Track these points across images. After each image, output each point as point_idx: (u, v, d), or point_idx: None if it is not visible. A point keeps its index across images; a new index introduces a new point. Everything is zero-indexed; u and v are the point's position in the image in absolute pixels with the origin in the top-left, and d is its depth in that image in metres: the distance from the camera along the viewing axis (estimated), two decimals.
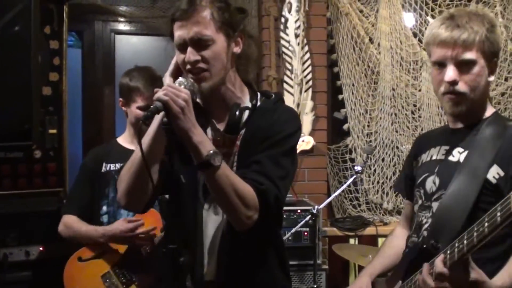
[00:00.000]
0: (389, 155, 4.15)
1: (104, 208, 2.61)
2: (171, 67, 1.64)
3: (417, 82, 4.09)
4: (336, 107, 4.27)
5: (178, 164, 1.64)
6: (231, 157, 1.66)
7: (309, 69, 3.94)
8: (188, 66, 1.59)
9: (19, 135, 2.87)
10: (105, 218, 2.60)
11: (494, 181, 1.60)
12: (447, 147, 1.75)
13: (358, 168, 3.32)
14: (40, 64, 2.98)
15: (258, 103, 1.71)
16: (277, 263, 1.74)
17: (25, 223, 3.09)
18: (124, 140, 2.70)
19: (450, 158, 1.71)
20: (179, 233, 1.56)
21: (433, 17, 3.91)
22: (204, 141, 1.49)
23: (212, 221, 1.66)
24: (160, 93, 1.45)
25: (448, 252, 1.46)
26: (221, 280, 1.64)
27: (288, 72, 3.92)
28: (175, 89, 1.47)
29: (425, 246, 1.64)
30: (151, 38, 4.44)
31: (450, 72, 1.64)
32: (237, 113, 1.65)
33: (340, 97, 4.23)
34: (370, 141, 4.15)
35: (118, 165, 2.61)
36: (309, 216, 3.16)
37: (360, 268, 3.41)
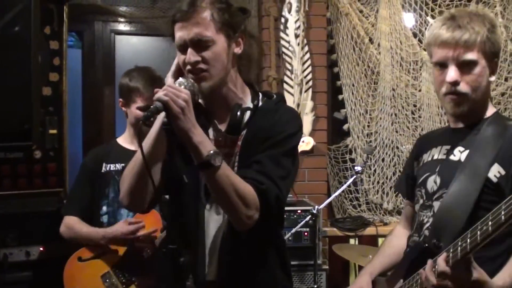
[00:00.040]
0: (389, 155, 4.15)
1: (104, 208, 2.62)
2: (172, 67, 1.64)
3: (417, 82, 4.09)
4: (336, 107, 4.27)
5: (180, 164, 1.64)
6: (232, 157, 1.66)
7: (309, 69, 3.93)
8: (189, 67, 1.59)
9: (19, 135, 2.85)
10: (105, 218, 2.61)
11: (495, 180, 1.60)
12: (448, 147, 1.75)
13: (358, 168, 3.31)
14: (40, 64, 2.97)
15: (260, 104, 1.71)
16: (278, 263, 1.74)
17: (25, 223, 3.08)
18: (124, 140, 2.70)
19: (451, 157, 1.71)
20: (180, 233, 1.56)
21: (433, 17, 3.91)
22: (204, 141, 1.49)
23: (213, 221, 1.66)
24: (160, 93, 1.45)
25: (451, 250, 1.46)
26: (222, 280, 1.64)
27: (288, 72, 3.91)
28: (175, 89, 1.47)
29: (426, 245, 1.64)
30: (151, 39, 4.44)
31: (452, 73, 1.64)
32: (239, 113, 1.64)
33: (340, 97, 4.23)
34: (370, 141, 4.15)
35: (118, 165, 2.61)
36: (309, 216, 3.16)
37: (360, 268, 3.40)
